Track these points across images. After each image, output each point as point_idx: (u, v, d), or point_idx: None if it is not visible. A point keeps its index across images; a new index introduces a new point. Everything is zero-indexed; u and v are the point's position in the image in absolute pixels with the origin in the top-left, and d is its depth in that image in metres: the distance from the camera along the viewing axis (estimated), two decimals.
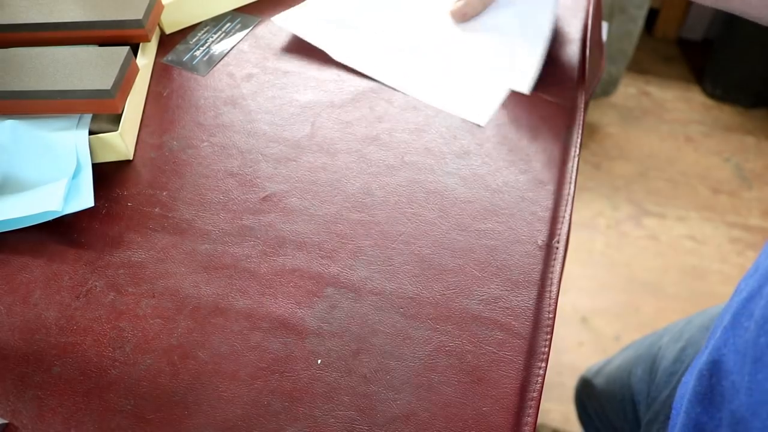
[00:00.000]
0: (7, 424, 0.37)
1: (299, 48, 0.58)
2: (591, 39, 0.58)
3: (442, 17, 0.58)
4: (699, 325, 0.56)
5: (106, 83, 0.47)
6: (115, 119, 0.51)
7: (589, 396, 0.77)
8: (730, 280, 1.40)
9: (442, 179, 0.48)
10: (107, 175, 0.49)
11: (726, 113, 1.76)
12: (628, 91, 1.81)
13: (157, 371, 0.39)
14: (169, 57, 0.59)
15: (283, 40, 0.59)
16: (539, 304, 0.41)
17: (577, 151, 0.49)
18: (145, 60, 0.56)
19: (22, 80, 0.49)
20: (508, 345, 0.39)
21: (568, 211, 0.45)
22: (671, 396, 0.49)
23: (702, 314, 0.58)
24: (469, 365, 0.38)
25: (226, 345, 0.40)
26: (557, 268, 0.42)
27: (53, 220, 0.45)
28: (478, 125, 0.51)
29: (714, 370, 0.33)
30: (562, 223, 0.45)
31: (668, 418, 0.40)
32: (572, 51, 0.55)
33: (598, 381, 0.74)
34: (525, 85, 0.52)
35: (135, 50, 0.56)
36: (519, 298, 0.41)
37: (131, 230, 0.46)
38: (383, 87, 0.54)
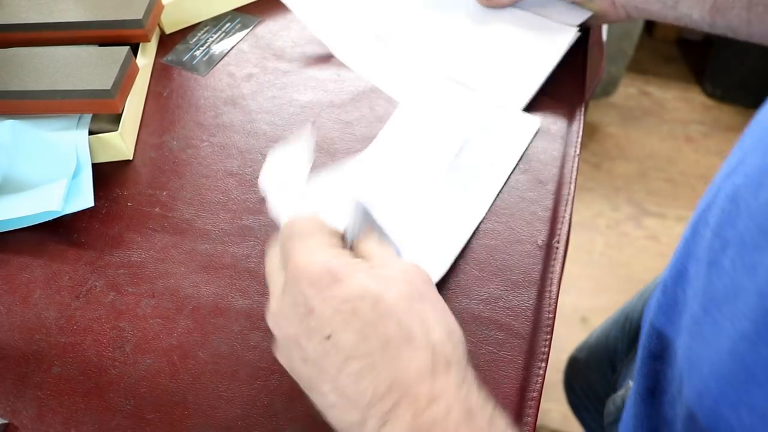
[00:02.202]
0: (7, 424, 0.37)
1: (299, 48, 0.58)
2: (591, 39, 0.58)
3: (451, 21, 0.57)
4: None
5: (106, 83, 0.47)
6: (115, 119, 0.51)
7: (575, 374, 0.78)
8: None
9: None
10: (107, 175, 0.49)
11: (726, 113, 1.76)
12: (628, 91, 1.81)
13: (157, 371, 0.39)
14: (169, 57, 0.59)
15: (283, 40, 0.59)
16: (539, 304, 0.41)
17: (577, 151, 0.49)
18: (145, 60, 0.56)
19: (22, 80, 0.49)
20: (508, 345, 0.39)
21: (568, 211, 0.45)
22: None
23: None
24: None
25: (226, 345, 0.40)
26: (557, 268, 0.42)
27: (53, 220, 0.45)
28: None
29: (677, 279, 0.33)
30: (562, 223, 0.45)
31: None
32: (572, 51, 0.55)
33: (581, 355, 0.75)
34: (519, 105, 0.51)
35: (135, 50, 0.56)
36: (519, 298, 0.41)
37: (131, 230, 0.46)
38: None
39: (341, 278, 0.27)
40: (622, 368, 0.60)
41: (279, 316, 0.29)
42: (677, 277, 0.33)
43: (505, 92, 0.52)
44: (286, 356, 0.30)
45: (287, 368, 0.30)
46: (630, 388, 0.45)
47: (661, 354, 0.34)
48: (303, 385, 0.29)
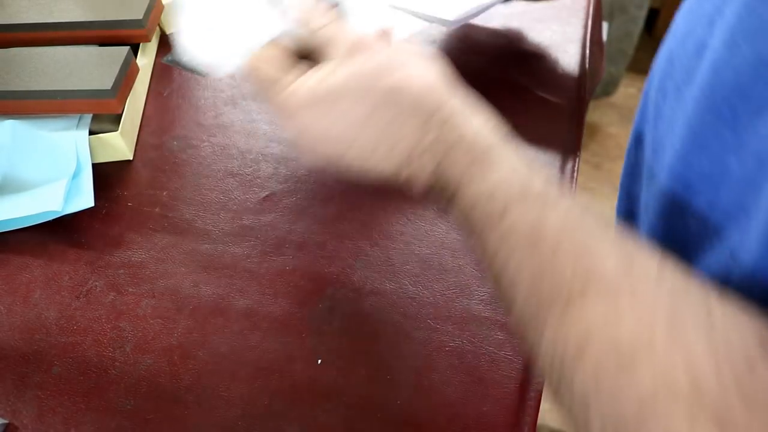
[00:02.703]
0: (7, 424, 0.37)
1: None
2: (591, 39, 0.58)
3: None
4: None
5: (106, 83, 0.47)
6: (115, 119, 0.51)
7: None
8: None
9: None
10: (107, 175, 0.49)
11: None
12: (628, 91, 1.81)
13: (157, 371, 0.39)
14: (169, 57, 0.59)
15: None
16: None
17: (577, 151, 0.49)
18: (145, 60, 0.56)
19: (22, 80, 0.49)
20: (508, 345, 0.39)
21: None
22: None
23: None
24: (469, 365, 0.38)
25: (226, 345, 0.40)
26: None
27: (53, 220, 0.45)
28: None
29: (637, 142, 0.39)
30: None
31: None
32: (572, 51, 0.55)
33: None
34: (452, 15, 0.48)
35: (135, 50, 0.56)
36: None
37: (131, 230, 0.46)
38: None
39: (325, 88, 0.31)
40: None
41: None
42: (635, 142, 0.39)
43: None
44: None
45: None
46: None
47: (631, 213, 0.41)
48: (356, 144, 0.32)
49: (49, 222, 0.45)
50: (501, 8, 0.59)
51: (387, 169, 0.32)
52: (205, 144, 0.51)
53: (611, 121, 1.73)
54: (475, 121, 0.31)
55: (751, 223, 0.25)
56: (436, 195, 0.32)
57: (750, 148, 0.26)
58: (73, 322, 0.41)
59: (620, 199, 0.43)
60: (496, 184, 0.29)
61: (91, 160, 0.48)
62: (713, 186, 0.28)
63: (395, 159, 0.32)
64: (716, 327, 0.22)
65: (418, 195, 0.33)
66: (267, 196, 0.47)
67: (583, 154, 1.66)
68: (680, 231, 0.31)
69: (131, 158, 0.51)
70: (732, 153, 0.27)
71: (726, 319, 0.22)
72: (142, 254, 0.44)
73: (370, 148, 0.32)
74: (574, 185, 0.47)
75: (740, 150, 0.26)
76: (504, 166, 0.29)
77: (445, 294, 0.41)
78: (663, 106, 0.34)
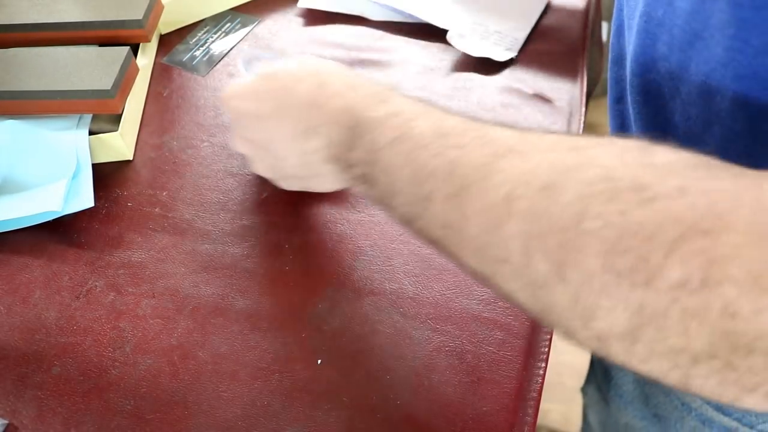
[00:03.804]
0: (7, 425, 0.37)
1: (299, 48, 0.58)
2: (591, 39, 0.58)
3: None
4: None
5: (106, 83, 0.47)
6: (115, 119, 0.51)
7: None
8: None
9: None
10: (107, 175, 0.49)
11: None
12: None
13: (157, 371, 0.39)
14: (169, 57, 0.59)
15: (283, 39, 0.59)
16: None
17: None
18: (145, 60, 0.56)
19: (22, 80, 0.49)
20: (508, 345, 0.39)
21: None
22: None
23: None
24: (469, 365, 0.38)
25: (226, 345, 0.40)
26: None
27: (53, 220, 0.45)
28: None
29: (617, 35, 0.43)
30: None
31: None
32: (572, 51, 0.55)
33: None
34: (510, 54, 0.55)
35: (135, 50, 0.56)
36: None
37: (131, 230, 0.46)
38: None
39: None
40: None
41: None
42: (617, 34, 0.43)
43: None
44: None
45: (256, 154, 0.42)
46: None
47: (621, 96, 0.44)
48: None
49: (49, 222, 0.45)
50: None
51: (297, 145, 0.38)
52: (205, 144, 0.51)
53: None
54: (361, 92, 0.35)
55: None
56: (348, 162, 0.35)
57: None
58: (73, 322, 0.41)
59: (610, 88, 0.46)
60: (395, 111, 0.32)
61: (91, 160, 0.48)
62: (668, 27, 0.33)
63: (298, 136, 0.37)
64: (630, 148, 0.24)
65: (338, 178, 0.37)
66: (267, 196, 0.47)
67: None
68: (653, 77, 0.36)
69: (131, 158, 0.51)
70: None
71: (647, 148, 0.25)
72: (142, 254, 0.44)
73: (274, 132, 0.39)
74: None
75: None
76: (398, 101, 0.33)
77: (445, 294, 0.41)
78: None
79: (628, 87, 0.40)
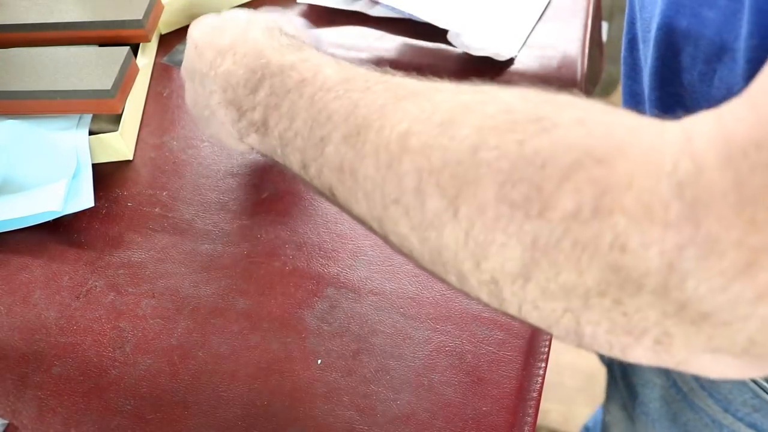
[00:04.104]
0: (7, 425, 0.37)
1: None
2: (591, 39, 0.58)
3: None
4: None
5: (106, 83, 0.47)
6: (115, 119, 0.51)
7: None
8: None
9: None
10: (107, 175, 0.49)
11: None
12: None
13: (157, 371, 0.39)
14: (169, 57, 0.59)
15: None
16: None
17: None
18: (145, 60, 0.56)
19: (22, 80, 0.49)
20: (508, 345, 0.39)
21: None
22: None
23: None
24: (469, 365, 0.38)
25: (225, 345, 0.40)
26: None
27: (53, 220, 0.45)
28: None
29: (631, 45, 0.41)
30: None
31: None
32: (572, 51, 0.55)
33: None
34: (511, 54, 0.55)
35: (135, 50, 0.56)
36: None
37: (131, 230, 0.46)
38: None
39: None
40: None
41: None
42: (630, 48, 0.41)
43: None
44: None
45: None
46: None
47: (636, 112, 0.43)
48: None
49: (49, 222, 0.45)
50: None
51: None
52: (205, 144, 0.51)
53: None
54: (276, 41, 0.34)
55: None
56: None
57: None
58: (73, 322, 0.41)
59: (625, 102, 0.45)
60: (305, 57, 0.32)
61: (91, 160, 0.48)
62: (694, 38, 0.32)
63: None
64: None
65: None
66: (267, 196, 0.47)
67: None
68: (674, 90, 0.35)
69: (131, 158, 0.51)
70: (704, 5, 0.30)
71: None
72: (142, 254, 0.44)
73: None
74: None
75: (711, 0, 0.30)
76: (311, 51, 0.33)
77: (445, 294, 0.41)
78: None
79: (645, 101, 0.40)
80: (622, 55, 0.44)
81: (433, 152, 0.23)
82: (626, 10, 0.43)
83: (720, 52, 0.31)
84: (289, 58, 0.32)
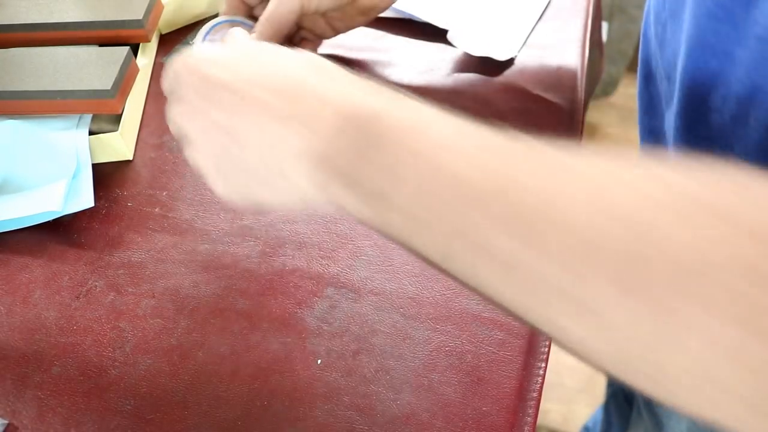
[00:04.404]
0: (7, 425, 0.37)
1: (299, 47, 0.58)
2: (591, 39, 0.58)
3: None
4: None
5: (106, 83, 0.47)
6: (115, 119, 0.51)
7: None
8: None
9: None
10: (107, 175, 0.49)
11: None
12: (628, 91, 1.80)
13: (157, 371, 0.39)
14: (169, 57, 0.59)
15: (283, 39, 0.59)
16: None
17: None
18: (145, 60, 0.56)
19: (22, 80, 0.49)
20: (508, 345, 0.39)
21: None
22: None
23: None
24: (469, 365, 0.38)
25: (225, 345, 0.40)
26: None
27: (53, 220, 0.45)
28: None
29: (646, 80, 0.40)
30: None
31: None
32: (572, 51, 0.55)
33: None
34: (511, 53, 0.55)
35: (135, 50, 0.56)
36: None
37: (131, 230, 0.46)
38: None
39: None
40: None
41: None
42: (645, 81, 0.40)
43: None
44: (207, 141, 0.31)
45: (210, 153, 0.32)
46: None
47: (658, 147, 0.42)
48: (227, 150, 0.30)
49: (49, 222, 0.45)
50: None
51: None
52: None
53: (611, 122, 1.73)
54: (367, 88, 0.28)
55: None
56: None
57: (751, 33, 0.28)
58: (73, 322, 0.41)
59: (643, 136, 0.44)
60: (413, 114, 0.25)
61: (91, 160, 0.48)
62: (724, 79, 0.31)
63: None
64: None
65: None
66: None
67: None
68: (703, 132, 0.34)
69: (131, 158, 0.51)
70: (735, 44, 0.30)
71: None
72: (142, 254, 0.44)
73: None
74: None
75: (742, 39, 0.29)
76: (408, 101, 0.26)
77: (445, 294, 0.41)
78: (664, 34, 0.37)
79: (667, 138, 0.39)
80: (637, 90, 0.43)
81: (635, 264, 0.19)
82: (640, 47, 0.42)
83: (753, 92, 0.29)
84: (396, 115, 0.25)
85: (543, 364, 0.38)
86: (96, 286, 0.43)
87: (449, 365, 0.38)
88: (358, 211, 0.26)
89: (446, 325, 0.40)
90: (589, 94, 0.59)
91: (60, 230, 0.46)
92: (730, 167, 0.20)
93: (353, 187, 0.25)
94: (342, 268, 0.43)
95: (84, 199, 0.45)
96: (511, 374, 0.37)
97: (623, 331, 0.20)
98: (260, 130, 0.28)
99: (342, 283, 0.42)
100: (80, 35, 0.54)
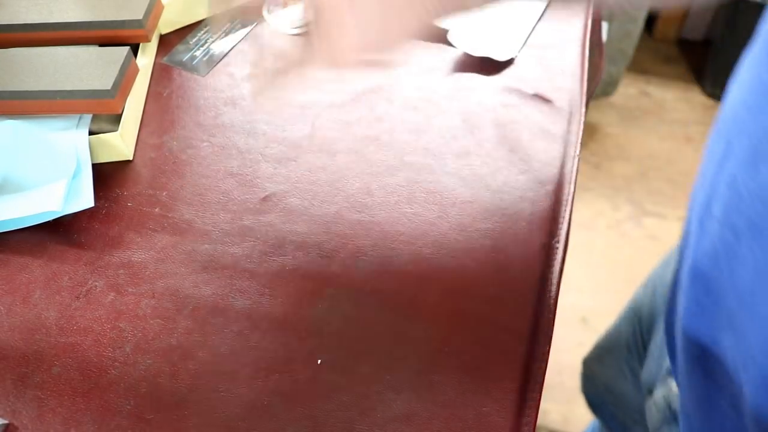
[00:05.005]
0: (7, 425, 0.37)
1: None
2: (591, 39, 0.58)
3: None
4: (662, 265, 0.58)
5: (106, 83, 0.47)
6: (115, 119, 0.51)
7: (591, 376, 0.78)
8: None
9: (442, 179, 0.48)
10: (107, 175, 0.49)
11: None
12: (628, 91, 1.81)
13: (157, 371, 0.39)
14: (169, 57, 0.59)
15: (283, 39, 0.59)
16: (539, 304, 0.41)
17: (577, 151, 0.49)
18: (145, 60, 0.56)
19: (22, 80, 0.49)
20: (508, 345, 0.39)
21: (568, 211, 0.45)
22: (659, 327, 0.52)
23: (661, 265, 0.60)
24: (469, 365, 0.38)
25: (225, 345, 0.40)
26: (557, 268, 0.42)
27: (53, 220, 0.45)
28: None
29: (695, 280, 0.33)
30: (562, 223, 0.45)
31: (667, 350, 0.44)
32: (572, 51, 0.56)
33: (594, 355, 0.75)
34: (511, 54, 0.55)
35: (135, 50, 0.56)
36: (519, 298, 0.41)
37: (131, 230, 0.46)
38: (383, 87, 0.54)
39: None
40: (642, 366, 0.60)
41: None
42: (695, 277, 0.33)
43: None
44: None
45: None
46: (675, 393, 0.46)
47: (703, 358, 0.33)
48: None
49: (49, 222, 0.45)
50: None
51: None
52: (205, 144, 0.51)
53: (611, 121, 1.73)
54: None
55: None
56: None
57: None
58: (73, 323, 0.41)
59: (685, 346, 0.37)
60: None
61: (91, 160, 0.48)
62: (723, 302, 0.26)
63: None
64: None
65: None
66: (267, 196, 0.47)
67: (583, 154, 1.66)
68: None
69: (131, 158, 0.51)
70: None
71: None
72: (142, 254, 0.44)
73: None
74: (573, 185, 0.47)
75: None
76: None
77: (445, 294, 0.41)
78: (737, 248, 0.28)
79: (679, 361, 0.35)
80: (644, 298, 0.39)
81: None
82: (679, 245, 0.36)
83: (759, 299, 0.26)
84: None
85: (543, 364, 0.38)
86: (96, 286, 0.43)
87: (449, 365, 0.38)
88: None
89: (446, 326, 0.40)
90: (589, 94, 0.59)
91: (60, 230, 0.46)
92: None
93: None
94: (342, 268, 0.43)
95: (84, 199, 0.45)
96: (511, 374, 0.37)
97: None
98: None
99: (342, 283, 0.42)
100: (80, 35, 0.54)
